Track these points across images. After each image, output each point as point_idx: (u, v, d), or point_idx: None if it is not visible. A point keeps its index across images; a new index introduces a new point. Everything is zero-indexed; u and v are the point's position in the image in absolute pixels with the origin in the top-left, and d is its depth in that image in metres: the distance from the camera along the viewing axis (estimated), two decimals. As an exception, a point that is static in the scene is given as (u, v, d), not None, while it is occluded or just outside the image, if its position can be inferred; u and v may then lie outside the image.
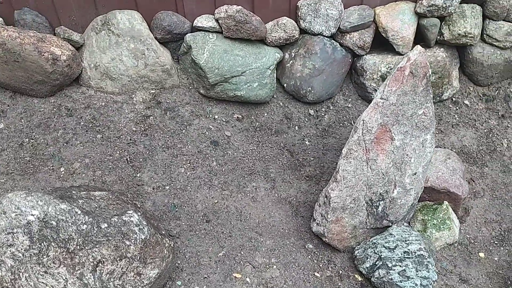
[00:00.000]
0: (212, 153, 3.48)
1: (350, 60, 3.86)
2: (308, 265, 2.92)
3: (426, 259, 2.76)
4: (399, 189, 2.89)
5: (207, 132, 3.57)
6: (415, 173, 2.92)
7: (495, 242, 3.26)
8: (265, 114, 3.81)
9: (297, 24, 3.70)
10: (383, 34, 3.74)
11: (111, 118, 3.46)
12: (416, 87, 2.76)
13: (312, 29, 3.64)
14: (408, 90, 2.74)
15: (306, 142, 3.70)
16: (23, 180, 3.08)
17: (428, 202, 3.23)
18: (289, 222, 3.16)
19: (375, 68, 3.78)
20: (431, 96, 2.84)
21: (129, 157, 3.32)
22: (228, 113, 3.72)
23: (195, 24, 3.54)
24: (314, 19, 3.61)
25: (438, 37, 3.86)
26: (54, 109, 3.40)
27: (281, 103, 3.87)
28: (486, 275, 3.04)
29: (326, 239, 2.89)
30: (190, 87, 3.71)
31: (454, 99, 4.15)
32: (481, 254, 3.16)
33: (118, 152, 3.33)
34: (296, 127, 3.77)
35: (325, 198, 2.82)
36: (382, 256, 2.75)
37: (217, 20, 3.51)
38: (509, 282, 2.99)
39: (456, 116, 4.08)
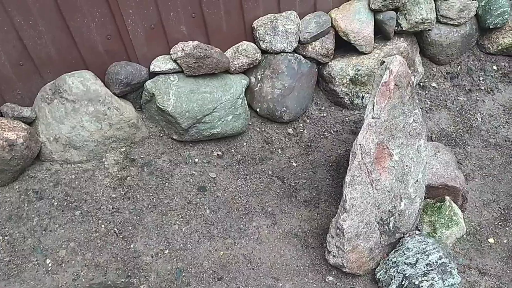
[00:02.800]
0: (202, 200, 3.28)
1: (316, 70, 3.75)
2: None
3: (449, 265, 2.74)
4: (405, 201, 2.84)
5: (191, 179, 3.36)
6: (416, 181, 2.87)
7: (499, 223, 3.30)
8: (245, 144, 3.64)
9: (258, 46, 3.53)
10: (344, 37, 3.65)
11: (86, 190, 3.17)
12: (403, 97, 2.68)
13: (273, 48, 3.49)
14: (396, 102, 2.66)
15: (293, 164, 3.58)
16: (10, 285, 2.76)
17: (429, 200, 3.22)
18: (301, 257, 3.04)
19: (343, 73, 3.69)
20: (417, 101, 2.78)
21: (116, 228, 3.06)
22: (207, 152, 3.52)
23: (152, 69, 3.29)
24: (274, 38, 3.45)
25: (396, 28, 3.82)
26: (22, 196, 3.07)
27: (257, 129, 3.71)
28: (501, 261, 3.07)
29: (346, 269, 2.81)
30: (162, 135, 3.47)
31: (421, 84, 4.16)
32: (491, 240, 3.19)
33: (103, 225, 3.06)
34: (279, 150, 3.63)
35: (338, 230, 2.72)
36: (407, 275, 2.70)
37: (175, 61, 3.27)
38: (524, 263, 3.05)
39: (427, 100, 4.08)
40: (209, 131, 3.40)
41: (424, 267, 2.70)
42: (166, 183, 3.30)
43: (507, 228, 3.27)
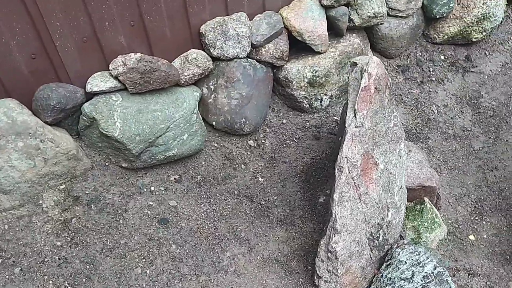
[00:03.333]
0: (165, 234, 2.87)
1: (271, 75, 3.45)
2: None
3: (444, 274, 2.58)
4: (392, 210, 2.64)
5: (149, 212, 2.92)
6: (400, 187, 2.68)
7: (475, 218, 3.23)
8: (203, 163, 3.26)
9: (208, 54, 3.15)
10: (298, 37, 3.39)
11: (23, 240, 2.64)
12: (383, 101, 2.47)
13: (226, 54, 3.13)
14: (377, 107, 2.44)
15: (260, 179, 3.26)
16: None
17: (407, 203, 3.05)
18: (286, 285, 2.74)
19: (300, 76, 3.43)
20: (395, 102, 2.58)
21: (67, 283, 2.57)
22: (163, 178, 3.10)
23: (89, 89, 2.80)
24: (225, 43, 3.10)
25: (348, 24, 3.62)
26: None
27: (215, 144, 3.34)
28: (486, 258, 2.99)
29: (340, 293, 2.55)
30: (107, 164, 2.99)
31: (375, 80, 4.01)
32: (471, 237, 3.10)
33: (50, 282, 2.56)
34: (242, 165, 3.30)
35: (329, 253, 2.45)
36: (405, 290, 2.50)
37: (116, 78, 2.81)
38: (507, 257, 2.98)
39: (383, 96, 3.94)
40: (163, 154, 2.98)
41: (422, 280, 2.52)
42: (120, 220, 2.84)
43: (483, 222, 3.20)
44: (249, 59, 3.26)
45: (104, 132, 2.75)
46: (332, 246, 2.41)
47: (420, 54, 4.23)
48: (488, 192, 3.40)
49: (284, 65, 3.43)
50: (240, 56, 3.18)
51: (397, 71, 4.14)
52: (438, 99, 4.05)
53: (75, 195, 2.83)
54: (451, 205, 3.33)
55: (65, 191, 2.81)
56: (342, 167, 2.35)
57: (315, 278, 2.58)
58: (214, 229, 2.97)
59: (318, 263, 2.53)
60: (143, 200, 2.95)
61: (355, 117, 2.35)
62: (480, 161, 3.63)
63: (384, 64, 4.11)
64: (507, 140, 3.78)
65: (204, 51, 3.15)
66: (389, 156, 2.55)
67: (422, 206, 2.98)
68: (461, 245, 3.07)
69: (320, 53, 3.49)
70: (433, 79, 4.14)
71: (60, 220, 2.74)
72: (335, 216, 2.38)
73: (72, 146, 2.77)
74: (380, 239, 2.63)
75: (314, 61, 3.47)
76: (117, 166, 3.00)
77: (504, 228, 3.15)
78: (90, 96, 2.86)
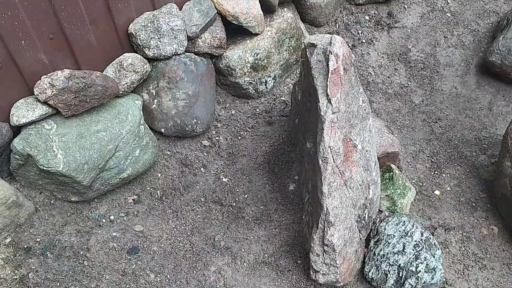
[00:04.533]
0: (139, 264, 2.59)
1: (213, 66, 3.19)
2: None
3: (430, 238, 2.62)
4: (372, 187, 2.60)
5: (114, 244, 2.61)
6: (375, 162, 2.64)
7: (436, 173, 3.32)
8: (160, 176, 2.97)
9: (143, 56, 2.81)
10: (234, 22, 3.15)
11: (-24, 316, 2.22)
12: (351, 80, 2.36)
13: (163, 53, 2.82)
14: (348, 88, 2.33)
15: (224, 179, 3.05)
16: None
17: (375, 173, 3.04)
18: (282, 285, 2.61)
19: (242, 62, 3.22)
20: (358, 78, 2.49)
21: None
22: (121, 202, 2.77)
23: (16, 123, 2.37)
24: (160, 41, 2.78)
25: (278, -2, 3.44)
26: None
27: (168, 152, 3.05)
28: (455, 209, 3.09)
29: (340, 283, 2.48)
30: (53, 201, 2.60)
31: (311, 51, 3.91)
32: (437, 192, 3.19)
33: None
34: (201, 169, 3.06)
35: (326, 247, 2.35)
36: (401, 265, 2.50)
37: (45, 102, 2.40)
38: (473, 205, 3.11)
39: (321, 67, 3.87)
40: (117, 177, 2.65)
41: (413, 250, 2.53)
42: (85, 262, 2.51)
43: (443, 175, 3.30)
44: (187, 54, 2.97)
45: (45, 168, 2.36)
46: (328, 240, 2.31)
47: (346, 18, 4.18)
48: (439, 144, 3.50)
49: (223, 53, 3.18)
50: (178, 52, 2.88)
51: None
52: (372, 61, 4.06)
53: (25, 246, 2.43)
54: (410, 164, 3.39)
55: (13, 244, 2.40)
56: (326, 157, 2.23)
57: (312, 273, 2.48)
58: (190, 245, 2.73)
59: (313, 258, 2.42)
60: (105, 232, 2.62)
61: (330, 103, 2.22)
62: (423, 115, 3.72)
63: (314, 33, 4.03)
64: (442, 90, 3.91)
65: (138, 53, 2.80)
66: (362, 134, 2.48)
67: (392, 173, 2.99)
68: (430, 202, 3.14)
69: (258, 34, 3.29)
70: (363, 41, 4.14)
71: (15, 279, 2.34)
72: (327, 209, 2.27)
73: (10, 193, 2.35)
74: (366, 218, 2.59)
75: (253, 43, 3.26)
76: (64, 202, 2.62)
77: (463, 177, 3.27)
78: (17, 130, 2.42)
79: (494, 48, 3.81)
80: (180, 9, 2.97)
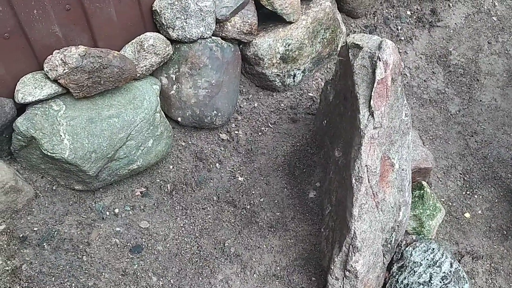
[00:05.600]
0: (142, 265, 2.39)
1: (239, 53, 2.93)
2: None
3: (459, 270, 2.39)
4: (403, 208, 2.36)
5: (117, 240, 2.41)
6: (409, 181, 2.39)
7: (467, 193, 3.07)
8: (172, 168, 2.74)
9: (166, 37, 2.55)
10: (268, 7, 2.86)
11: (-39, 308, 2.04)
12: (397, 92, 2.10)
13: (188, 36, 2.55)
14: (393, 100, 2.07)
15: (239, 178, 2.82)
16: None
17: (403, 188, 2.80)
18: (293, 304, 2.42)
19: (272, 52, 2.95)
20: (404, 88, 2.23)
21: None
22: (127, 194, 2.56)
23: (21, 100, 2.14)
24: (186, 22, 2.52)
25: (317, -15, 3.14)
26: None
27: (182, 143, 2.82)
28: (484, 236, 2.86)
29: (358, 310, 2.28)
30: (55, 187, 2.39)
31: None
32: (467, 215, 2.95)
33: None
34: (217, 164, 2.83)
35: (347, 272, 2.14)
36: (426, 297, 2.29)
37: (55, 81, 2.16)
38: (504, 232, 2.87)
39: (354, 63, 3.58)
40: (126, 168, 2.43)
41: (440, 282, 2.31)
42: (84, 257, 2.31)
43: (475, 196, 3.06)
44: (214, 38, 2.70)
45: (49, 153, 2.14)
46: (351, 266, 2.09)
47: (386, 11, 3.87)
48: (473, 161, 3.24)
49: (252, 40, 2.91)
50: (204, 36, 2.62)
51: (364, 32, 3.76)
52: (409, 61, 3.77)
53: (21, 235, 2.23)
54: (440, 180, 3.14)
55: (7, 232, 2.20)
56: (361, 177, 1.99)
57: (328, 295, 2.28)
58: (197, 247, 2.53)
59: (331, 281, 2.21)
60: (108, 226, 2.42)
61: (372, 117, 1.96)
62: (459, 126, 3.45)
63: (351, 26, 3.73)
64: (480, 100, 3.62)
65: (161, 33, 2.54)
66: (401, 152, 2.23)
67: (422, 192, 2.75)
68: (458, 225, 2.91)
69: (292, 23, 3.00)
70: (402, 38, 3.83)
71: (7, 270, 2.15)
72: (355, 233, 2.05)
73: (9, 177, 2.14)
74: (392, 242, 2.36)
75: (285, 32, 2.98)
76: (67, 189, 2.41)
77: (496, 200, 3.03)
78: (21, 108, 2.19)
79: (543, 61, 3.49)
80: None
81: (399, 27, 3.86)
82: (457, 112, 3.54)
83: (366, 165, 1.98)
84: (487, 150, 3.32)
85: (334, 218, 2.42)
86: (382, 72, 1.96)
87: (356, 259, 2.08)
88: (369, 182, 2.02)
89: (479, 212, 2.98)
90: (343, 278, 2.17)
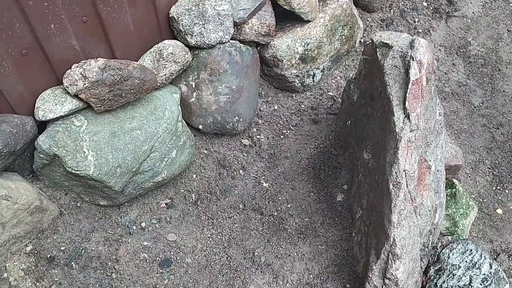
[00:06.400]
0: (172, 279, 2.33)
1: (258, 56, 2.85)
2: None
3: (499, 270, 2.31)
4: (439, 210, 2.28)
5: (145, 255, 2.35)
6: (444, 182, 2.31)
7: (498, 188, 2.99)
8: (195, 177, 2.68)
9: (184, 43, 2.48)
10: (285, 6, 2.78)
11: (-7, 334, 1.99)
12: (431, 91, 2.01)
13: (207, 41, 2.48)
14: (428, 100, 1.98)
15: (264, 184, 2.76)
16: None
17: (433, 187, 2.72)
18: (329, 313, 2.35)
19: (291, 52, 2.87)
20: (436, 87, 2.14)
21: None
22: (153, 207, 2.50)
23: (42, 118, 2.08)
24: (204, 27, 2.44)
25: (334, -19, 3.05)
26: None
27: (205, 151, 2.76)
28: (519, 232, 2.78)
29: (397, 317, 2.21)
30: (80, 204, 2.34)
31: (362, 40, 3.53)
32: (499, 211, 2.87)
33: None
34: (240, 171, 2.76)
35: (387, 280, 2.07)
36: (468, 301, 2.21)
37: (76, 96, 2.10)
38: (540, 227, 2.80)
39: (373, 59, 3.49)
40: (151, 181, 2.37)
41: (481, 285, 2.24)
42: (113, 274, 2.26)
43: (506, 191, 2.97)
44: (232, 42, 2.63)
45: (73, 171, 2.08)
46: (392, 274, 2.02)
47: (402, 3, 3.77)
48: (500, 154, 3.15)
49: (270, 41, 2.83)
50: (223, 41, 2.54)
51: (381, 26, 3.67)
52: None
53: (48, 255, 2.18)
54: (469, 177, 3.05)
55: (34, 253, 2.15)
56: (399, 182, 1.91)
57: (365, 304, 2.21)
58: (227, 257, 2.47)
59: (369, 290, 2.14)
60: (135, 241, 2.37)
61: (408, 119, 1.88)
62: (483, 119, 3.36)
63: (367, 21, 3.65)
64: (503, 91, 3.52)
65: (179, 40, 2.47)
66: (436, 152, 2.15)
67: (454, 190, 2.67)
68: (491, 222, 2.83)
69: (309, 21, 2.92)
70: (420, 30, 3.73)
71: (36, 293, 2.10)
72: (394, 240, 1.97)
73: (34, 197, 2.08)
74: (430, 245, 2.29)
75: (303, 32, 2.90)
76: (92, 205, 2.35)
77: (528, 195, 2.94)
78: (42, 126, 2.13)
79: None
80: (226, -10, 2.60)
81: (416, 19, 3.76)
82: (481, 104, 3.45)
83: (404, 170, 1.90)
84: (514, 142, 3.22)
85: (367, 222, 2.35)
86: (416, 73, 1.88)
87: (397, 267, 2.01)
88: (407, 187, 1.94)
89: (511, 207, 2.90)
90: (382, 286, 2.10)
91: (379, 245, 2.08)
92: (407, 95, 1.88)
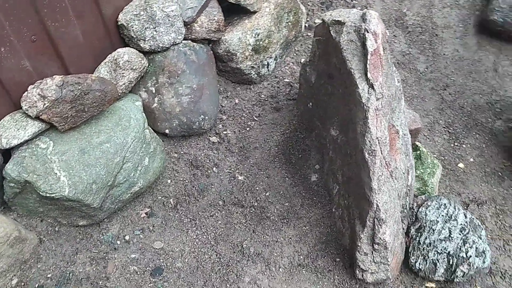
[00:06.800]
0: (166, 286, 2.31)
1: (212, 53, 2.86)
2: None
3: (473, 218, 2.46)
4: (411, 172, 2.40)
5: (135, 267, 2.32)
6: (410, 144, 2.43)
7: (455, 144, 3.16)
8: (170, 182, 2.66)
9: (138, 49, 2.45)
10: (231, 0, 2.81)
11: None
12: (388, 60, 2.11)
13: (161, 44, 2.47)
14: (387, 69, 2.08)
15: (239, 178, 2.78)
16: None
17: (398, 153, 2.84)
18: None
19: (243, 45, 2.90)
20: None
21: None
22: (133, 219, 2.46)
23: (6, 145, 2.01)
24: (156, 31, 2.42)
25: (272, -30, 3.11)
26: None
27: (175, 154, 2.74)
28: (482, 181, 2.95)
29: (390, 279, 2.30)
30: (58, 228, 2.26)
31: (307, 24, 3.62)
32: (461, 165, 3.04)
33: None
34: (214, 168, 2.77)
35: (377, 245, 2.15)
36: (450, 252, 2.33)
37: (37, 117, 2.03)
38: (500, 174, 2.98)
39: (320, 41, 3.59)
40: (128, 192, 2.33)
41: (460, 234, 2.37)
42: (106, 292, 2.20)
43: (464, 146, 3.15)
44: (185, 42, 2.63)
45: (48, 195, 2.01)
46: (380, 238, 2.11)
47: (337, -18, 3.89)
48: (452, 113, 3.34)
49: (221, 37, 2.85)
50: (176, 42, 2.54)
51: (322, 9, 3.78)
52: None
53: (36, 285, 2.10)
54: (428, 138, 3.21)
55: (21, 286, 2.06)
56: (374, 150, 1.99)
57: (358, 272, 2.29)
58: (216, 255, 2.47)
59: (361, 257, 2.22)
60: (122, 255, 2.32)
61: (373, 89, 1.97)
62: (430, 83, 3.54)
63: (308, 5, 3.73)
64: (444, 54, 3.73)
65: (131, 47, 2.44)
66: (400, 118, 2.25)
67: (419, 152, 2.80)
68: (455, 176, 2.99)
69: (256, 12, 2.96)
70: (358, 8, 3.87)
71: (29, 326, 2.02)
72: (377, 205, 2.05)
73: (11, 228, 1.99)
74: (407, 207, 2.40)
75: (252, 23, 2.94)
76: (71, 227, 2.28)
77: (484, 146, 3.14)
78: (7, 154, 2.05)
79: (494, 6, 3.64)
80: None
81: (353, -2, 3.90)
82: (426, 70, 3.63)
83: (377, 137, 1.98)
84: (462, 100, 3.42)
85: (346, 196, 2.43)
86: (373, 43, 1.96)
87: (384, 231, 2.09)
88: (381, 153, 2.03)
89: (471, 160, 3.08)
90: (372, 252, 2.18)
91: (362, 213, 2.16)
92: (368, 66, 1.97)
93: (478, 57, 3.70)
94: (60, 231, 2.25)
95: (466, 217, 2.44)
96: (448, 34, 3.86)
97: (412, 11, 3.98)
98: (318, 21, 3.68)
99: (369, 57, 1.96)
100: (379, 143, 1.99)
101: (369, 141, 1.98)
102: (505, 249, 2.60)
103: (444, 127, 3.27)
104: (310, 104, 2.84)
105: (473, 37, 3.84)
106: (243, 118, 3.01)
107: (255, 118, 3.03)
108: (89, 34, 2.26)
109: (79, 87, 2.06)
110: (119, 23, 2.37)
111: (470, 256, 2.32)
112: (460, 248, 2.34)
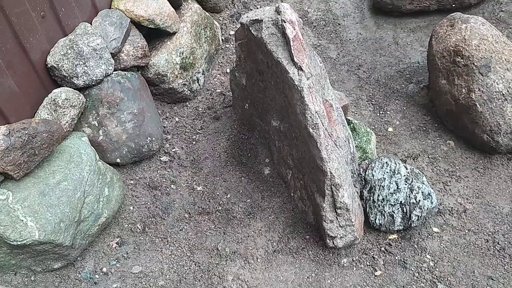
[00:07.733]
0: (155, 305, 2.35)
1: (143, 78, 2.96)
2: (362, 275, 2.50)
3: (413, 168, 2.75)
4: (351, 141, 2.64)
5: (120, 295, 2.33)
6: (343, 116, 2.68)
7: (380, 113, 3.48)
8: (133, 208, 2.71)
9: (72, 87, 2.50)
10: (150, 26, 2.95)
11: None
12: (307, 43, 2.35)
13: (94, 78, 2.54)
14: (309, 51, 2.31)
15: (198, 188, 2.88)
16: None
17: (335, 130, 3.10)
18: (303, 265, 2.56)
19: (170, 65, 3.04)
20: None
21: None
22: (105, 250, 2.48)
23: (-37, 205, 1.97)
24: (87, 65, 2.50)
25: (180, -8, 3.30)
26: None
27: (132, 181, 2.79)
28: (411, 138, 3.27)
29: (358, 239, 2.50)
30: (34, 278, 2.23)
31: (223, 38, 3.83)
32: (390, 129, 3.35)
33: None
34: (172, 186, 2.85)
35: (339, 210, 2.34)
36: (402, 201, 2.59)
37: (-10, 171, 2.03)
38: (424, 129, 3.33)
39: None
40: (96, 224, 2.36)
41: (406, 184, 2.64)
42: (98, 326, 2.20)
43: (388, 113, 3.48)
44: (117, 72, 2.71)
45: (19, 243, 2.00)
46: (340, 202, 2.30)
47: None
48: (370, 87, 3.68)
49: (149, 62, 2.97)
50: (108, 73, 2.62)
51: (233, 21, 4.02)
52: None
53: (25, 339, 2.06)
54: (356, 113, 3.51)
55: None
56: (316, 123, 2.20)
57: (328, 240, 2.47)
58: (195, 264, 2.55)
59: (327, 226, 2.41)
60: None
61: (302, 70, 2.18)
62: (345, 66, 3.88)
63: (219, 20, 3.95)
64: (350, 39, 4.10)
65: (66, 86, 2.48)
66: (330, 93, 2.49)
67: (352, 125, 3.07)
68: (388, 140, 3.30)
69: (175, 33, 3.12)
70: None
71: None
72: (331, 172, 2.25)
73: (-13, 287, 1.95)
74: (355, 171, 2.64)
75: (174, 43, 3.09)
76: (47, 273, 2.26)
77: (404, 108, 3.49)
78: (-35, 213, 2.01)
79: (381, -12, 4.08)
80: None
81: (258, 6, 4.18)
82: (338, 55, 3.96)
83: (316, 112, 2.19)
84: (375, 74, 3.78)
85: (300, 176, 2.62)
86: (292, 31, 2.18)
87: (342, 194, 2.30)
88: (323, 125, 2.24)
89: (397, 123, 3.41)
90: (336, 217, 2.37)
91: (320, 185, 2.35)
92: (293, 52, 2.18)
93: (379, 35, 4.10)
94: (37, 280, 2.22)
95: (407, 168, 2.72)
96: (349, 21, 4.24)
97: (313, 8, 4.34)
98: (232, 32, 3.91)
99: (291, 43, 2.18)
100: (319, 116, 2.20)
101: (310, 117, 2.19)
102: (445, 190, 2.91)
103: (367, 101, 3.59)
104: (246, 105, 3.02)
105: (370, 20, 4.25)
106: (187, 133, 3.13)
107: (199, 131, 3.16)
108: (23, 82, 2.29)
109: (26, 132, 2.09)
110: (48, 65, 2.42)
111: (420, 200, 2.59)
112: (409, 196, 2.60)
